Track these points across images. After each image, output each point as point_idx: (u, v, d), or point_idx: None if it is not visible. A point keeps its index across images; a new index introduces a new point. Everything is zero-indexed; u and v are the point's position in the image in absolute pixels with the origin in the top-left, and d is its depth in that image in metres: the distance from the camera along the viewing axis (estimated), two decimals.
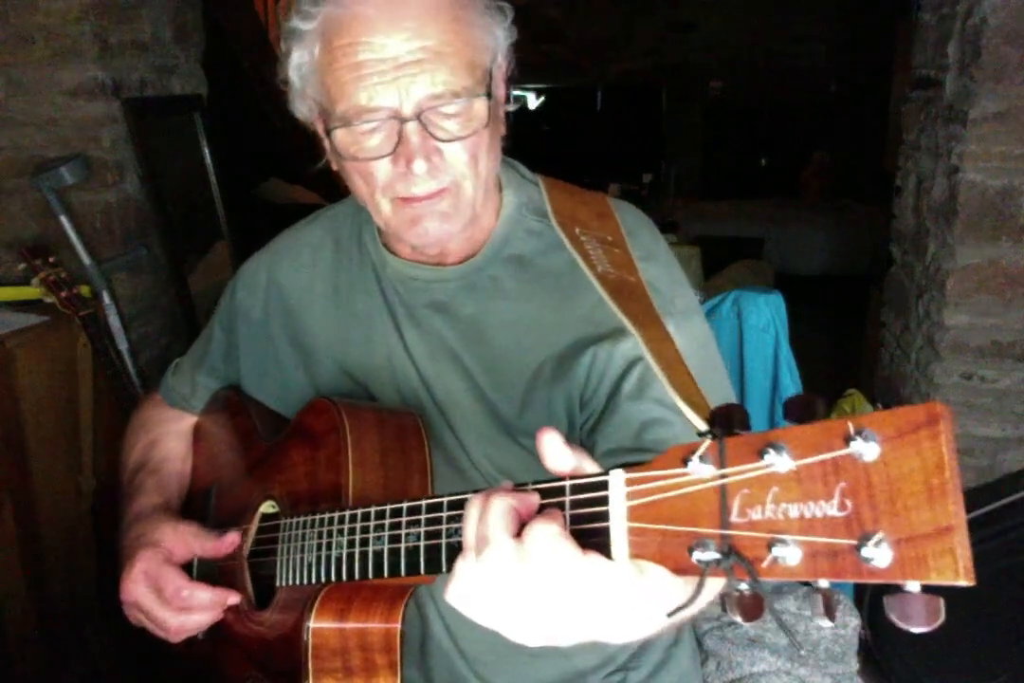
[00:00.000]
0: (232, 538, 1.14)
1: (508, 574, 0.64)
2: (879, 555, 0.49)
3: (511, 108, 1.12)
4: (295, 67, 1.04)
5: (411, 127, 0.97)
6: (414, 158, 0.98)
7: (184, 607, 1.11)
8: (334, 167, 1.09)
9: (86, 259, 2.67)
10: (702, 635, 1.53)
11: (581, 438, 1.08)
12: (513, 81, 1.11)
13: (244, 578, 1.15)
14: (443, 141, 0.99)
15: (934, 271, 2.78)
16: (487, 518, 0.66)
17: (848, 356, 4.39)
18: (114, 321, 2.74)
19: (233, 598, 1.12)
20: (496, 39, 1.04)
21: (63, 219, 2.64)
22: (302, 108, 1.07)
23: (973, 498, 2.58)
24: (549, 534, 0.63)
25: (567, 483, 0.67)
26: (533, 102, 8.95)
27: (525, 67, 1.10)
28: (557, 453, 0.68)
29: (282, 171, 6.02)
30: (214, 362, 1.36)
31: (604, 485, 0.64)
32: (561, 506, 0.67)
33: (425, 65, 0.96)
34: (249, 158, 5.42)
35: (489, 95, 1.01)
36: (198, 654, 1.24)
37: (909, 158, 3.09)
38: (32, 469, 2.43)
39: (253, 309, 1.27)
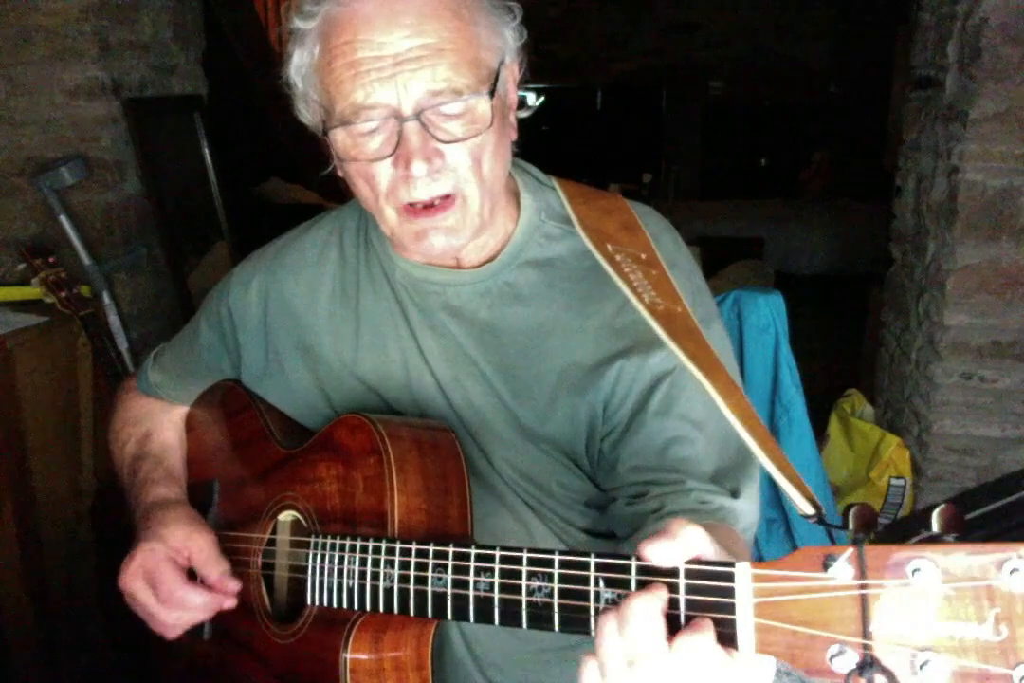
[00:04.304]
0: (234, 587, 1.12)
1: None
2: None
3: (523, 114, 1.09)
4: (296, 69, 1.02)
5: (411, 127, 0.95)
6: (413, 159, 0.95)
7: (178, 606, 1.11)
8: (339, 173, 1.07)
9: (86, 259, 2.67)
10: None
11: (602, 449, 1.07)
12: (522, 84, 1.08)
13: (259, 588, 1.14)
14: (444, 142, 0.97)
15: (934, 271, 2.78)
16: (634, 632, 0.67)
17: (848, 356, 4.38)
18: (114, 321, 2.75)
19: (228, 602, 1.11)
20: (504, 39, 1.01)
21: (63, 219, 2.64)
22: (305, 112, 1.05)
23: (973, 498, 2.58)
24: (705, 645, 0.65)
25: (681, 566, 0.68)
26: (533, 102, 8.93)
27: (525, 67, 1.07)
28: (663, 554, 0.69)
29: (282, 171, 6.02)
30: (206, 361, 1.32)
31: (729, 576, 0.65)
32: (675, 588, 0.68)
33: (424, 61, 0.94)
34: (249, 158, 5.42)
35: (493, 94, 0.98)
36: (205, 657, 1.23)
37: (909, 158, 3.09)
38: (32, 469, 2.43)
39: (249, 313, 1.23)
